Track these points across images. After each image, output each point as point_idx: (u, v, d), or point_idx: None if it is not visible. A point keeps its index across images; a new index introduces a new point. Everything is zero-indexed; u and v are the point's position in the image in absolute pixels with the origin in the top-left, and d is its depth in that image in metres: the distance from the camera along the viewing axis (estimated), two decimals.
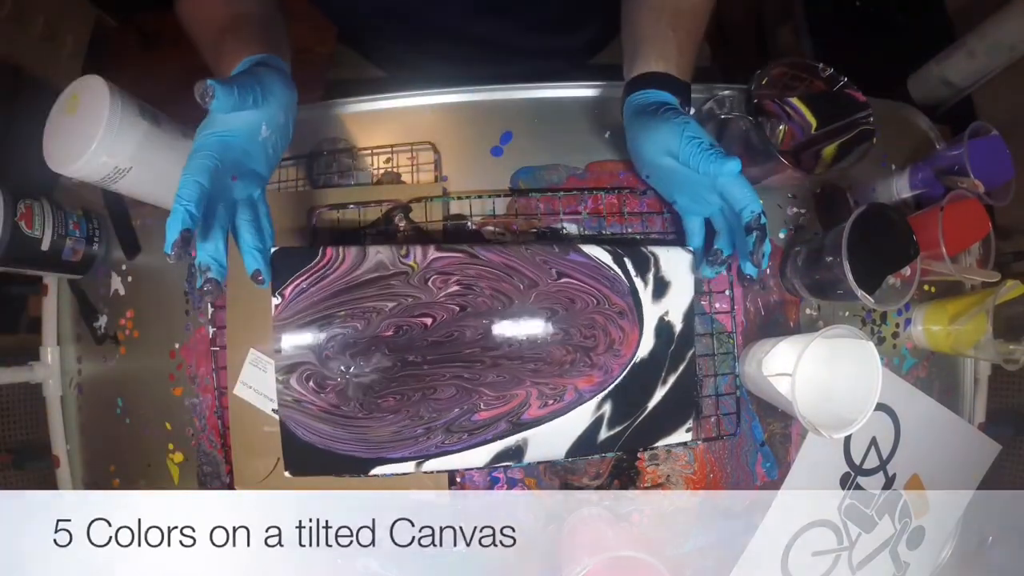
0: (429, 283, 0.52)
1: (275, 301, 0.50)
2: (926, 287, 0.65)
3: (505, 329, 0.53)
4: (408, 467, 0.53)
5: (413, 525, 0.59)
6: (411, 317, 0.51)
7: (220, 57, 0.51)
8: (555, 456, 0.55)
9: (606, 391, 0.55)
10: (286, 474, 0.52)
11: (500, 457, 0.54)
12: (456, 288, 0.52)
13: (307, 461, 0.52)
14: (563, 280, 0.53)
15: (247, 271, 0.46)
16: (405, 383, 0.52)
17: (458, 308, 0.52)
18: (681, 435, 0.56)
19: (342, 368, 0.51)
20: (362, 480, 0.57)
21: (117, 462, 0.67)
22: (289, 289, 0.50)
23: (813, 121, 0.56)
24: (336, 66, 0.86)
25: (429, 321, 0.52)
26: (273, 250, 0.49)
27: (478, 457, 0.53)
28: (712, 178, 0.46)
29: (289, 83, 0.48)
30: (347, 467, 0.52)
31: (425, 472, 0.54)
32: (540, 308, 0.53)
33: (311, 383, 0.51)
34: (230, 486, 0.60)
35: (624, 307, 0.55)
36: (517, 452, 0.54)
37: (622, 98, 0.54)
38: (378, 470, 0.52)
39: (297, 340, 0.50)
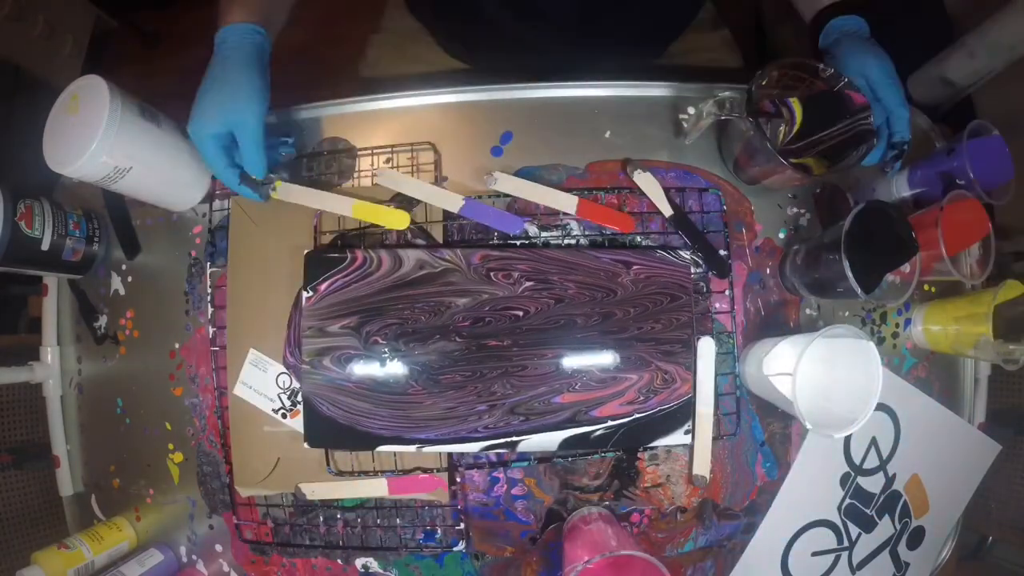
0: (493, 277, 0.55)
1: (306, 295, 0.55)
2: (926, 287, 0.65)
3: (627, 314, 0.56)
4: (410, 449, 0.55)
5: (414, 525, 0.59)
6: (495, 311, 0.55)
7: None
8: (548, 448, 0.56)
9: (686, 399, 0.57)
10: (305, 445, 0.56)
11: (495, 445, 0.56)
12: (532, 283, 0.56)
13: (325, 434, 0.56)
14: (635, 267, 0.57)
15: (258, 175, 0.55)
16: (482, 363, 0.55)
17: (553, 301, 0.56)
18: (679, 436, 0.56)
19: (394, 351, 0.55)
20: (365, 480, 0.57)
21: (117, 462, 0.67)
22: (323, 286, 0.55)
23: (799, 121, 0.56)
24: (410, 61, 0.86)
25: (520, 313, 0.55)
26: (306, 252, 0.56)
27: (476, 446, 0.56)
28: (888, 111, 0.55)
29: (263, 66, 0.54)
30: (358, 443, 0.56)
31: (425, 453, 0.57)
32: (655, 294, 0.56)
33: (350, 364, 0.55)
34: (230, 486, 0.60)
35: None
36: (511, 443, 0.56)
37: (815, 25, 0.60)
38: (383, 448, 0.55)
39: (336, 328, 0.55)
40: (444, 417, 0.55)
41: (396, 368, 0.55)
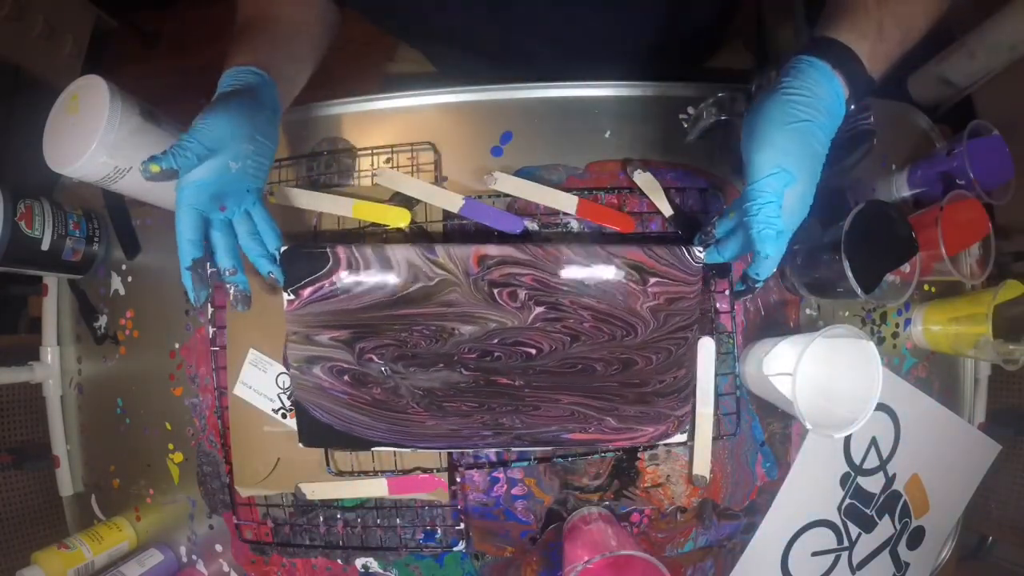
0: (498, 298, 0.52)
1: (287, 298, 0.52)
2: (926, 287, 0.65)
3: (648, 362, 0.53)
4: (406, 450, 0.55)
5: (414, 525, 0.59)
6: (504, 344, 0.52)
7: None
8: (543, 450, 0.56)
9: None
10: (299, 444, 0.55)
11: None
12: (542, 309, 0.52)
13: (321, 436, 0.55)
14: (655, 281, 0.52)
15: (263, 274, 0.50)
16: (491, 398, 0.53)
17: (569, 338, 0.52)
18: (677, 437, 0.56)
19: (393, 372, 0.53)
20: (365, 480, 0.57)
21: (117, 462, 0.67)
22: (307, 291, 0.51)
23: None
24: (396, 61, 0.85)
25: (533, 351, 0.52)
26: (282, 249, 0.51)
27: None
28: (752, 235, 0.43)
29: (257, 103, 0.48)
30: (354, 445, 0.55)
31: (425, 453, 0.56)
32: (677, 330, 0.53)
33: (343, 376, 0.53)
34: (230, 486, 0.60)
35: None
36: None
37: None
38: (378, 447, 0.55)
39: (326, 339, 0.52)
40: (447, 436, 0.54)
41: (395, 388, 0.53)
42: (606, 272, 0.52)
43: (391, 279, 0.51)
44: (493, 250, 0.51)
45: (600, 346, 0.52)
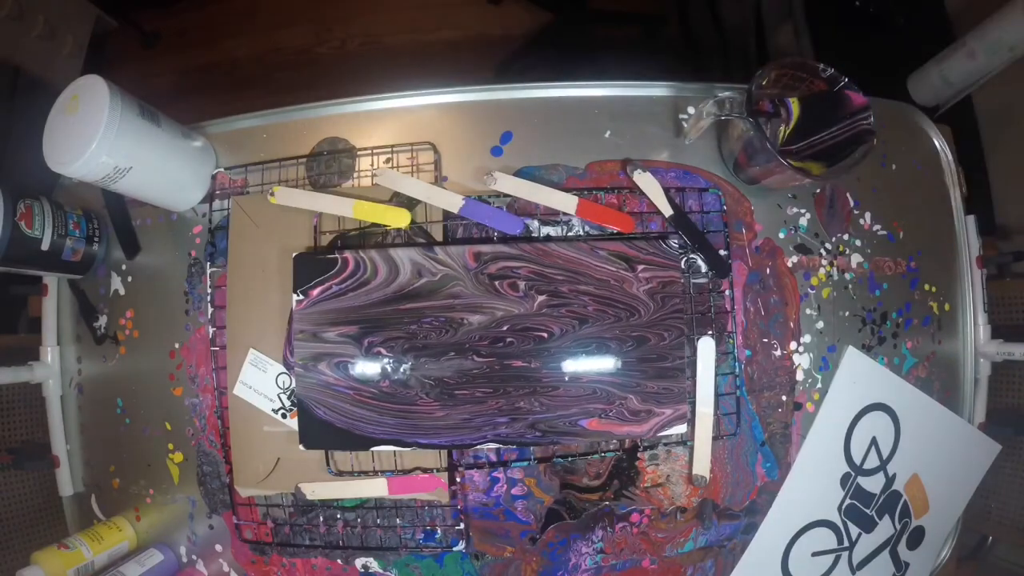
0: (500, 288, 0.53)
1: (296, 299, 0.54)
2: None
3: (660, 339, 0.54)
4: (407, 449, 0.55)
5: (414, 525, 0.59)
6: (515, 331, 0.53)
7: None
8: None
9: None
10: (300, 447, 0.55)
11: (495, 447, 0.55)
12: (544, 297, 0.53)
13: (322, 437, 0.55)
14: (643, 267, 0.54)
15: None
16: (507, 381, 0.54)
17: (577, 321, 0.53)
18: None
19: (400, 364, 0.53)
20: (365, 480, 0.57)
21: (117, 462, 0.67)
22: (316, 291, 0.54)
23: (794, 120, 0.56)
24: None
25: (545, 335, 0.53)
26: (295, 255, 0.55)
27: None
28: None
29: None
30: (356, 444, 0.55)
31: (425, 452, 0.56)
32: (680, 311, 0.54)
33: (350, 372, 0.54)
34: (230, 486, 0.60)
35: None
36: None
37: None
38: (379, 448, 0.55)
39: (334, 335, 0.54)
40: (458, 427, 0.54)
41: (403, 381, 0.54)
42: (593, 260, 0.55)
43: (397, 276, 0.54)
44: (486, 247, 0.55)
45: (609, 327, 0.54)
